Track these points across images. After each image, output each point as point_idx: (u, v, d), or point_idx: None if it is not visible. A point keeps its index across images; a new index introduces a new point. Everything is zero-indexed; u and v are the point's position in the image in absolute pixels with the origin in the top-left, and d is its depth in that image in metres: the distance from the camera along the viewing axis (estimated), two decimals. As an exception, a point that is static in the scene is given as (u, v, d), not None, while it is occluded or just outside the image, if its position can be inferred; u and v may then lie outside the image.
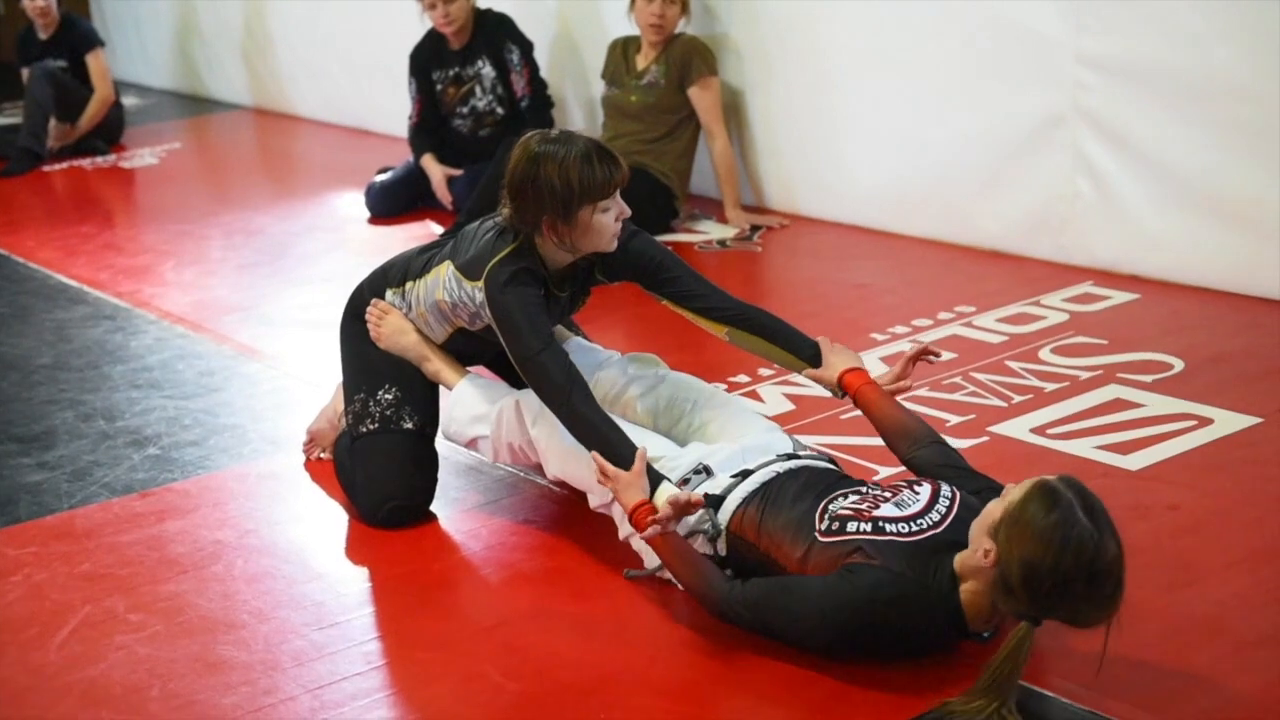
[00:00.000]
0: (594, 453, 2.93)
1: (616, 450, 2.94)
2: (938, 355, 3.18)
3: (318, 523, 3.44)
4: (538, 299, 3.11)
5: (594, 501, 3.14)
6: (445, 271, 3.25)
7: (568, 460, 3.13)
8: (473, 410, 3.32)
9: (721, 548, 2.87)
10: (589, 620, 2.92)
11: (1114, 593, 2.43)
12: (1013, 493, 2.52)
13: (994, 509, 2.54)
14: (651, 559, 2.94)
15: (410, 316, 3.40)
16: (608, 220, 3.07)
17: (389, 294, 3.44)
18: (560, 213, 3.03)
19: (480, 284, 3.12)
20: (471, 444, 3.39)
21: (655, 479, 2.91)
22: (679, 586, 2.90)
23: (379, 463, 3.34)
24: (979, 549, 2.53)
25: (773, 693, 2.62)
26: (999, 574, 2.48)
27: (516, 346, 3.07)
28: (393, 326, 3.41)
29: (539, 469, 3.30)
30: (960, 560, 2.59)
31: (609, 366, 3.37)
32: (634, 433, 3.06)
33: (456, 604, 3.06)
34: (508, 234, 3.15)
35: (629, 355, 3.41)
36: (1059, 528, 2.41)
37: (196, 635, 2.92)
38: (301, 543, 3.34)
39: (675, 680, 2.68)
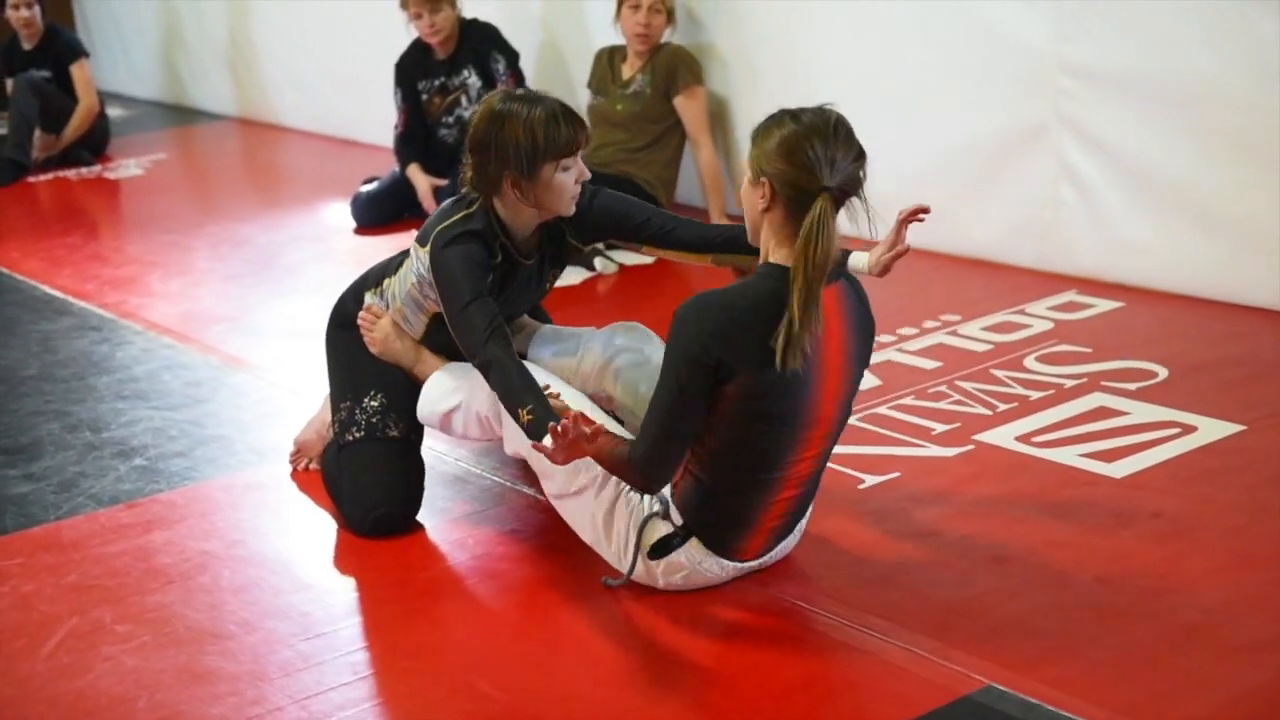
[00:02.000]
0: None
1: (517, 395, 2.90)
2: (927, 212, 3.05)
3: (305, 533, 3.44)
4: (481, 260, 3.10)
5: (550, 489, 3.10)
6: (412, 255, 3.28)
7: (522, 436, 3.04)
8: (445, 385, 3.28)
9: (675, 516, 2.90)
10: (577, 630, 2.92)
11: (852, 135, 2.76)
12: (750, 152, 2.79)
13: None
14: (624, 567, 2.95)
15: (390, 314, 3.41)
16: (568, 180, 3.11)
17: (368, 296, 3.45)
18: (524, 169, 3.06)
19: (428, 249, 3.15)
20: (445, 422, 3.28)
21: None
22: (659, 586, 2.95)
23: (365, 471, 3.34)
24: (754, 207, 2.78)
25: (764, 696, 2.62)
26: (770, 186, 2.73)
27: (449, 303, 3.07)
28: (384, 331, 3.41)
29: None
30: (759, 240, 2.82)
31: (593, 340, 3.32)
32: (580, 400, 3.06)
33: (444, 614, 3.06)
34: (462, 201, 3.19)
35: (615, 325, 3.37)
36: (783, 115, 2.79)
37: (184, 646, 2.92)
38: (288, 553, 3.34)
39: (664, 687, 2.69)
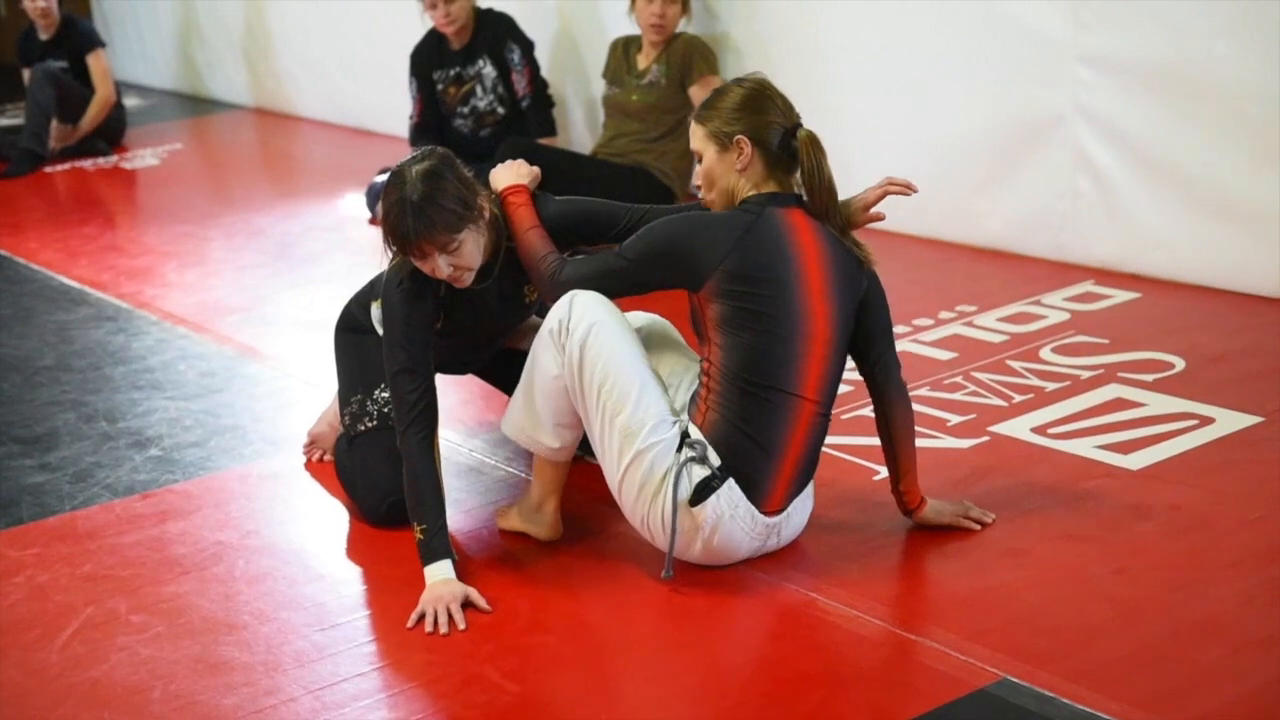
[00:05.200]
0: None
1: (419, 506, 2.99)
2: (915, 191, 3.12)
3: (319, 523, 3.44)
4: (422, 293, 3.06)
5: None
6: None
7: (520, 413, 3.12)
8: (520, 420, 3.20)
9: (713, 457, 2.92)
10: (589, 622, 2.92)
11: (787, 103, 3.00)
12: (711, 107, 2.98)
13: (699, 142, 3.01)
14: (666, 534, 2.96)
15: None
16: (438, 268, 3.00)
17: (374, 307, 3.44)
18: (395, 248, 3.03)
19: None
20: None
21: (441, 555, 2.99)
22: (694, 553, 2.98)
23: (379, 459, 3.34)
24: (728, 173, 2.96)
25: (778, 688, 2.62)
26: (747, 141, 2.92)
27: (385, 358, 3.10)
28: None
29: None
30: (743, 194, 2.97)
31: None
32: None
33: (458, 605, 3.06)
34: None
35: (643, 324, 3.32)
36: (716, 92, 3.01)
37: (198, 636, 2.93)
38: (303, 543, 3.35)
39: (677, 679, 2.68)
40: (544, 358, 3.03)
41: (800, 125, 2.99)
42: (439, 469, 3.05)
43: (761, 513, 2.97)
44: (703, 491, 2.91)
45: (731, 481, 2.92)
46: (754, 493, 2.96)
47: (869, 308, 3.04)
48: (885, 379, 3.07)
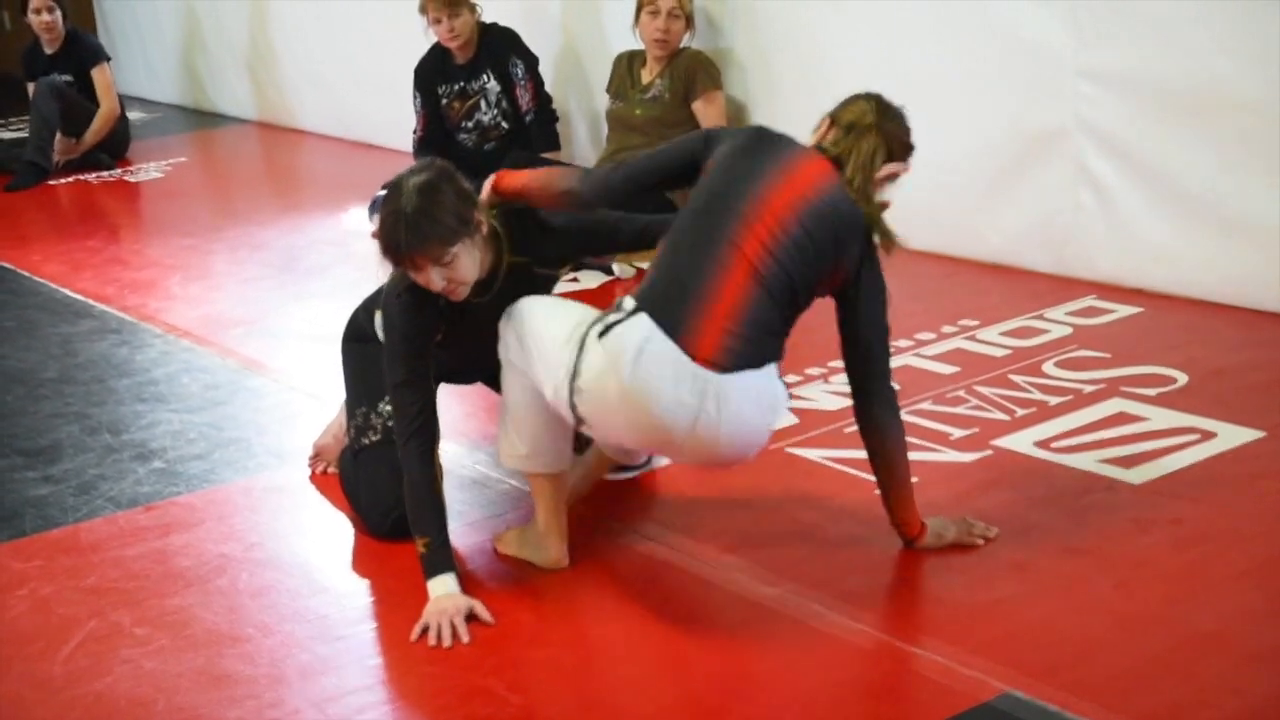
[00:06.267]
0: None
1: (420, 520, 3.00)
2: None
3: (323, 537, 3.45)
4: (422, 305, 3.07)
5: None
6: None
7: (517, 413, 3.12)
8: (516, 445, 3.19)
9: (629, 302, 2.91)
10: (592, 635, 2.92)
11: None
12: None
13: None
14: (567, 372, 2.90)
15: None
16: (435, 281, 3.00)
17: (378, 315, 3.45)
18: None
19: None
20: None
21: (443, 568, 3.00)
22: (610, 388, 2.83)
23: (383, 473, 3.34)
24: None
25: (781, 701, 2.62)
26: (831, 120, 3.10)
27: (387, 371, 3.11)
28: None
29: None
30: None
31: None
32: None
33: (461, 618, 3.06)
34: None
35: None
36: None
37: (202, 649, 2.93)
38: (306, 556, 3.35)
39: (680, 693, 2.69)
40: (506, 376, 3.09)
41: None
42: (439, 482, 3.06)
43: (683, 349, 2.79)
44: (611, 327, 2.84)
45: (645, 315, 2.82)
46: (677, 331, 2.80)
47: (861, 288, 2.95)
48: (873, 388, 3.00)
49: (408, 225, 2.93)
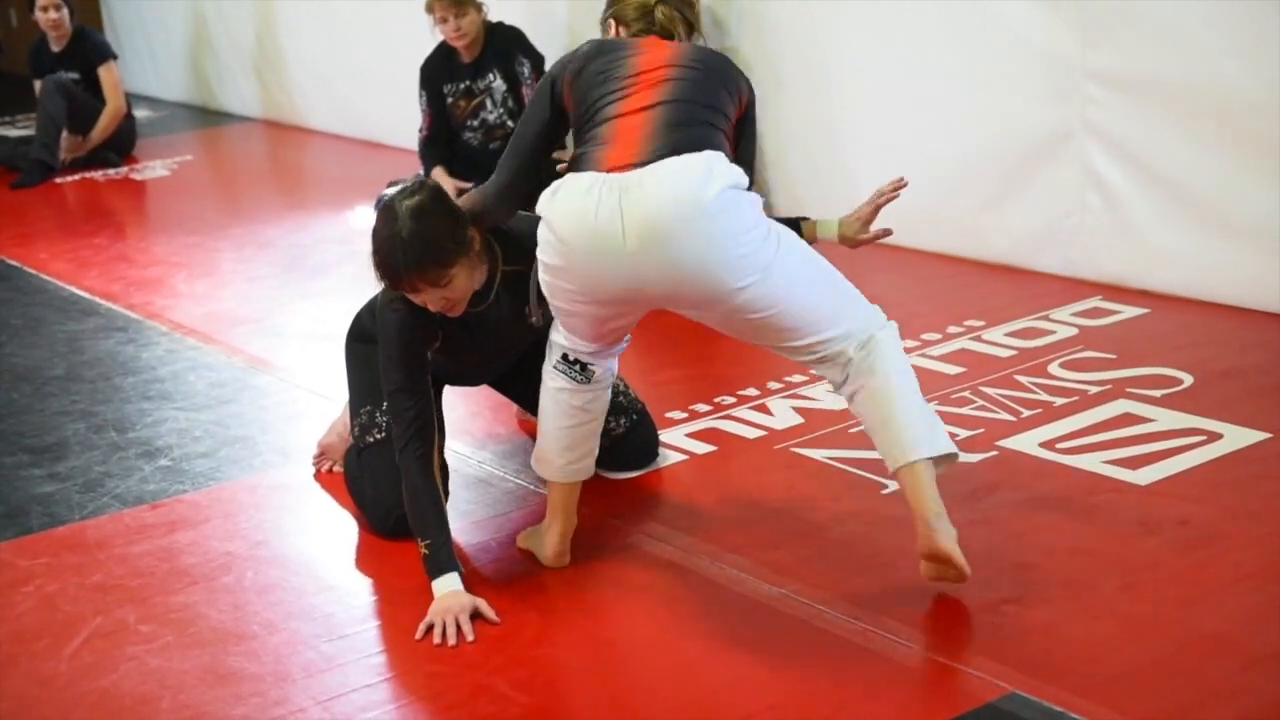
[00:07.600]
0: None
1: (422, 522, 3.01)
2: (905, 185, 3.18)
3: (328, 534, 3.45)
4: (417, 316, 3.08)
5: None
6: None
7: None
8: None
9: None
10: (597, 634, 2.92)
11: None
12: None
13: None
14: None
15: None
16: (432, 302, 3.02)
17: None
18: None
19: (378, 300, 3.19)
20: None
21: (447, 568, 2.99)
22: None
23: (387, 471, 3.34)
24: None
25: (785, 701, 2.62)
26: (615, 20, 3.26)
27: (383, 378, 3.13)
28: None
29: None
30: None
31: None
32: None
33: (466, 616, 3.06)
34: None
35: None
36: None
37: (207, 646, 2.93)
38: (312, 554, 3.35)
39: (683, 692, 2.69)
40: (545, 376, 3.11)
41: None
42: (438, 484, 3.07)
43: (607, 171, 2.82)
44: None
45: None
46: (595, 163, 2.86)
47: (747, 126, 3.14)
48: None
49: (405, 250, 2.95)
